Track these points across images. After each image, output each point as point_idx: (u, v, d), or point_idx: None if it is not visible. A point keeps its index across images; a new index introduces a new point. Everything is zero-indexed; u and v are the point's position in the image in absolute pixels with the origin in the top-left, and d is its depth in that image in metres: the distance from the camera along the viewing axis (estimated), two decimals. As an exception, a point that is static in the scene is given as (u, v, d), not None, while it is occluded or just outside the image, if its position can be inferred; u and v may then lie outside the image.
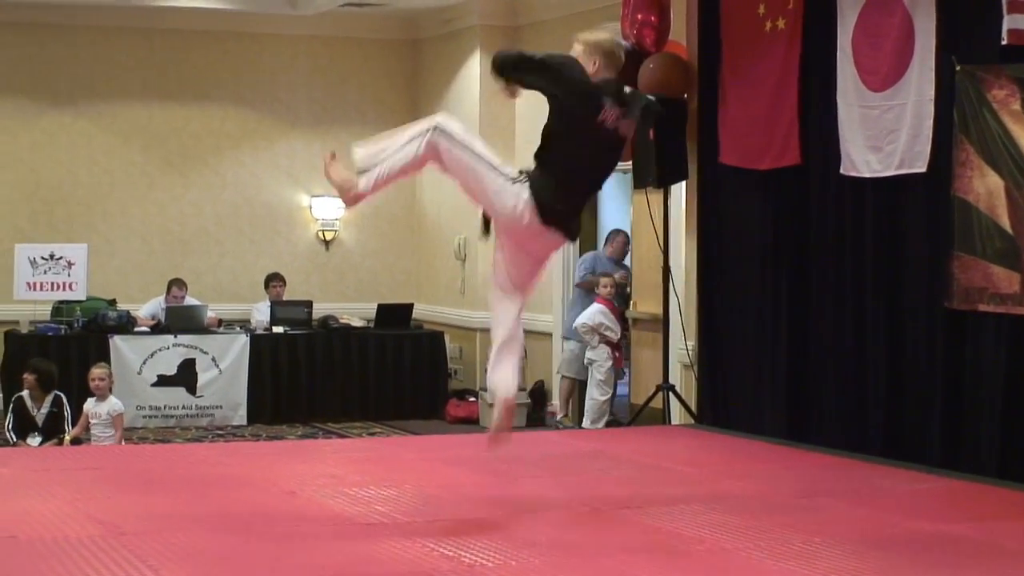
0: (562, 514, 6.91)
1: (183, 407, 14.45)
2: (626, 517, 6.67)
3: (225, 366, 14.58)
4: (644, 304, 13.20)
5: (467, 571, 5.68)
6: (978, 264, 8.51)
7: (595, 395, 13.05)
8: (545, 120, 6.62)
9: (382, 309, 15.55)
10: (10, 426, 11.67)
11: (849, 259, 9.56)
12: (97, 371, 11.69)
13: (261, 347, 14.80)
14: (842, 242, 9.62)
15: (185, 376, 14.44)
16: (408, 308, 15.78)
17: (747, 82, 10.42)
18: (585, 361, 13.27)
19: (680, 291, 11.26)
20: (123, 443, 11.60)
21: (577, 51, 6.61)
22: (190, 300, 15.12)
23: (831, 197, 9.72)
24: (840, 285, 9.65)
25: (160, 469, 8.32)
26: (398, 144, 6.49)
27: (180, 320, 14.69)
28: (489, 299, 6.28)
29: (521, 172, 6.38)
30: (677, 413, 11.23)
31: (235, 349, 14.68)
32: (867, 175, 9.32)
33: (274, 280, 15.64)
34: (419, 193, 16.95)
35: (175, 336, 14.48)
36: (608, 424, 12.99)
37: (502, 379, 6.51)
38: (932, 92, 8.83)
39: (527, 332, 15.19)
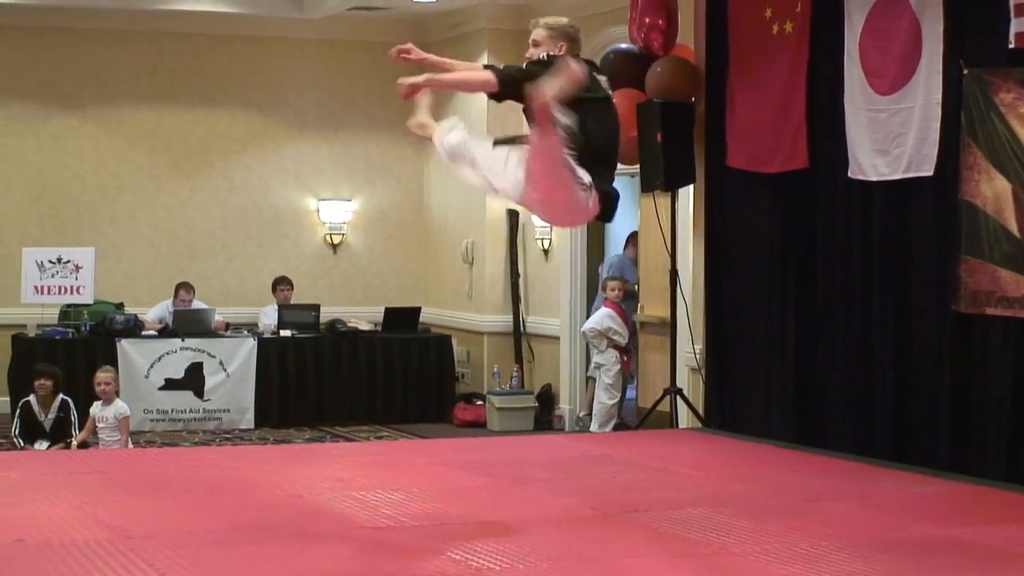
0: (569, 517, 6.91)
1: (190, 411, 14.46)
2: (633, 520, 6.68)
3: (232, 370, 14.60)
4: (651, 308, 13.20)
5: (474, 575, 5.70)
6: (985, 268, 8.52)
7: (603, 399, 13.05)
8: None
9: (389, 313, 15.55)
10: (17, 431, 11.69)
11: (857, 262, 9.56)
12: (102, 375, 11.70)
13: (268, 351, 14.81)
14: (849, 245, 9.62)
15: (192, 380, 14.45)
16: (415, 312, 15.78)
17: (755, 86, 10.42)
18: (593, 365, 13.28)
19: (687, 294, 11.27)
20: (130, 446, 11.62)
21: (541, 35, 6.69)
22: (197, 304, 15.14)
23: (839, 200, 9.73)
24: (847, 288, 9.65)
25: (167, 473, 8.34)
26: (497, 158, 6.44)
27: (187, 324, 14.70)
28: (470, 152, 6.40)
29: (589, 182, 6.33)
30: (684, 417, 11.24)
31: (242, 353, 14.69)
32: (874, 178, 9.33)
33: (282, 284, 15.64)
34: (426, 197, 16.96)
35: (182, 340, 14.50)
36: (616, 428, 13.00)
37: None
38: (939, 95, 8.84)
39: (534, 336, 15.26)
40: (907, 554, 6.27)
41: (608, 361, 13.03)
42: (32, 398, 11.74)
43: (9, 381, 13.96)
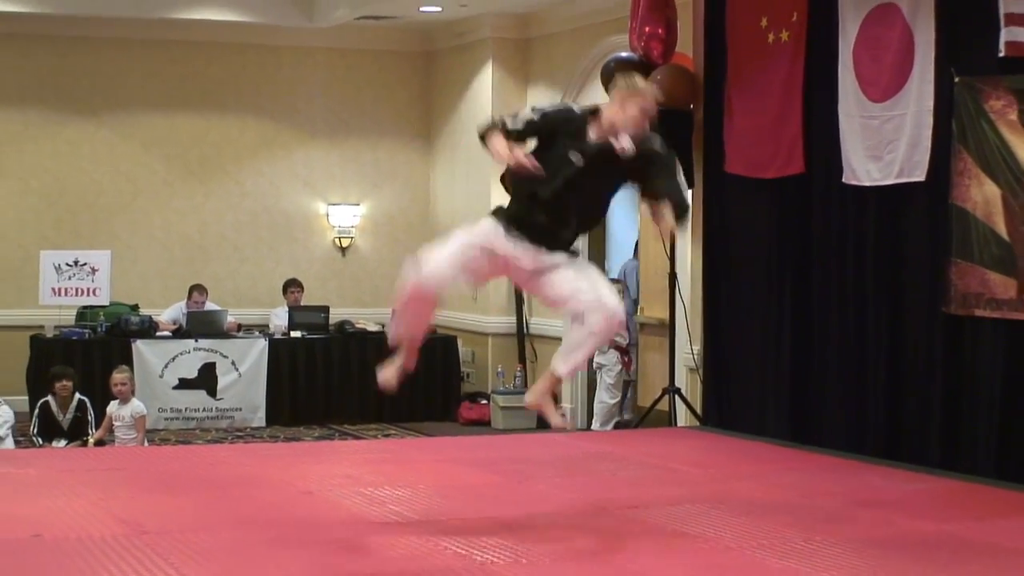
0: (571, 513, 6.92)
1: (203, 409, 14.48)
2: (633, 516, 6.69)
3: (244, 369, 14.62)
4: (651, 309, 13.21)
5: (479, 569, 5.71)
6: (975, 270, 8.52)
7: (604, 398, 13.07)
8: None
9: (397, 314, 15.54)
10: (35, 430, 11.71)
11: (850, 265, 9.57)
12: (119, 375, 11.73)
13: (279, 351, 14.83)
14: (844, 249, 9.63)
15: (205, 379, 14.48)
16: (421, 313, 15.77)
17: (752, 93, 10.43)
18: (594, 365, 13.28)
19: (686, 296, 11.28)
20: (145, 444, 11.64)
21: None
22: (210, 305, 15.16)
23: (833, 205, 9.73)
24: (842, 290, 9.66)
25: (181, 470, 8.35)
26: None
27: (201, 325, 14.72)
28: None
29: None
30: (683, 415, 11.24)
31: (254, 353, 14.71)
32: (868, 184, 9.33)
33: (292, 286, 15.66)
34: (433, 202, 16.97)
35: (196, 340, 14.52)
36: (616, 427, 13.01)
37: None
38: (931, 103, 8.84)
39: (536, 337, 15.26)
40: (899, 549, 6.28)
41: (609, 361, 13.04)
42: (50, 398, 11.77)
43: (28, 380, 13.98)
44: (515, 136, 6.29)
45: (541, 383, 6.37)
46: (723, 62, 10.74)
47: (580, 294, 6.28)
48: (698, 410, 11.05)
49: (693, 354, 11.24)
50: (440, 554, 5.90)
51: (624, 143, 6.26)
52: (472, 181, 16.01)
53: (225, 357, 14.57)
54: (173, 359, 14.38)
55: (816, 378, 9.89)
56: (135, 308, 14.99)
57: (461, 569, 5.68)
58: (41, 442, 11.57)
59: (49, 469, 8.15)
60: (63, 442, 11.55)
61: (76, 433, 11.64)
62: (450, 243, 6.37)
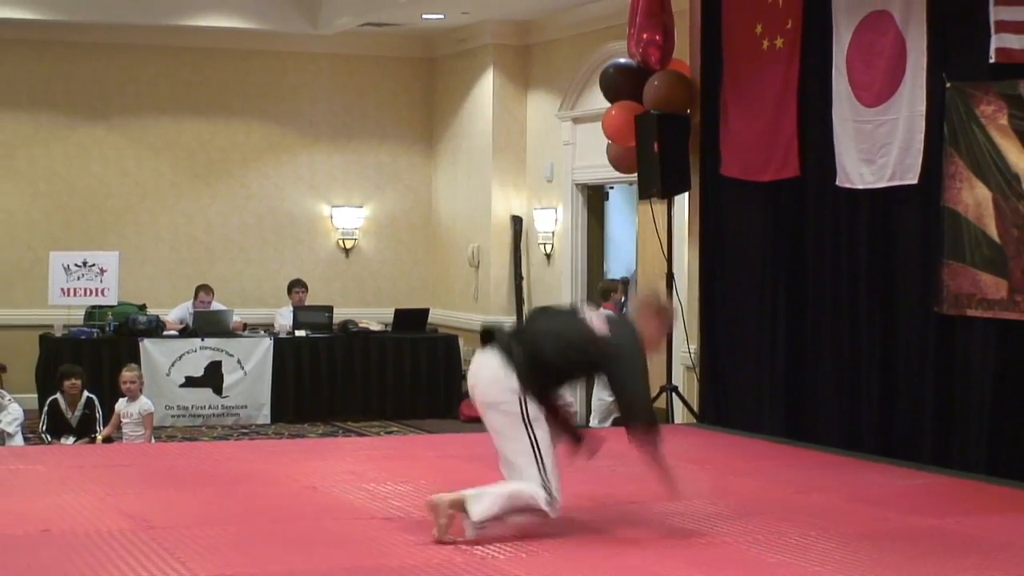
0: (570, 508, 6.89)
1: (209, 407, 14.47)
2: (631, 512, 6.67)
3: (250, 368, 14.60)
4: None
5: (479, 563, 5.69)
6: (967, 271, 8.51)
7: (603, 396, 13.02)
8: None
9: (399, 314, 15.55)
10: (44, 427, 11.69)
11: (844, 266, 9.55)
12: (128, 373, 11.72)
13: (284, 350, 14.81)
14: (837, 250, 9.61)
15: (211, 377, 14.47)
16: (424, 313, 15.78)
17: (747, 98, 10.42)
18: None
19: (683, 296, 11.26)
20: (152, 441, 11.62)
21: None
22: (217, 305, 15.14)
23: (827, 207, 9.72)
24: (836, 291, 9.64)
25: (187, 466, 8.34)
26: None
27: (207, 324, 14.71)
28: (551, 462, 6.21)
29: None
30: (680, 413, 11.23)
31: (259, 352, 14.70)
32: (861, 187, 9.32)
33: (296, 286, 15.64)
34: (435, 204, 16.97)
35: (202, 339, 14.50)
36: (614, 423, 12.98)
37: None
38: (923, 107, 8.83)
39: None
40: (892, 543, 6.27)
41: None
42: (59, 396, 11.75)
43: (37, 379, 13.96)
44: None
45: (451, 498, 6.05)
46: (719, 68, 10.73)
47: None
48: (695, 408, 11.04)
49: (690, 353, 11.23)
50: (442, 549, 5.89)
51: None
52: (473, 184, 16.01)
53: (231, 356, 14.55)
54: (180, 358, 14.36)
55: (811, 376, 9.87)
56: (143, 308, 14.97)
57: (462, 563, 5.67)
58: (50, 439, 11.55)
59: (58, 466, 8.14)
60: (71, 439, 11.54)
61: (84, 430, 11.62)
62: (547, 461, 6.17)
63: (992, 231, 8.36)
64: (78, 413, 11.68)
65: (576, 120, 14.63)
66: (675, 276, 11.32)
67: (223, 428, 14.29)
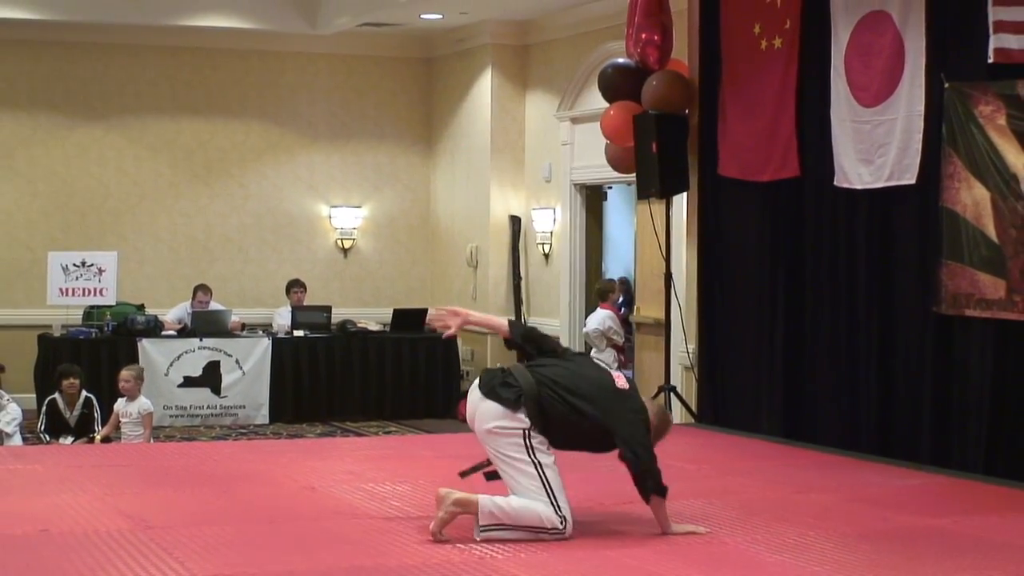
0: (568, 509, 6.90)
1: (208, 407, 14.46)
2: (629, 511, 6.66)
3: (248, 368, 14.59)
4: (647, 309, 13.20)
5: (478, 562, 5.69)
6: (965, 271, 8.51)
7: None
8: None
9: (398, 314, 15.54)
10: (43, 427, 11.68)
11: (842, 266, 9.55)
12: (124, 373, 11.68)
13: (282, 350, 14.80)
14: (836, 250, 9.61)
15: (210, 377, 14.46)
16: (422, 313, 15.74)
17: (746, 98, 10.41)
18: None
19: (681, 296, 11.26)
20: (151, 441, 11.61)
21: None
22: (215, 305, 15.14)
23: (826, 207, 9.72)
24: (834, 291, 9.64)
25: (186, 466, 8.33)
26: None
27: (205, 324, 14.70)
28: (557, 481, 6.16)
29: None
30: (678, 413, 11.22)
31: (258, 352, 14.69)
32: (859, 187, 9.32)
33: (295, 286, 15.64)
34: (433, 204, 16.96)
35: (200, 339, 14.49)
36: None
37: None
38: (921, 108, 8.83)
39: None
40: (891, 543, 6.27)
41: (607, 359, 13.02)
42: (58, 396, 11.75)
43: (35, 379, 13.95)
44: None
45: (460, 496, 6.06)
46: (718, 68, 10.73)
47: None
48: (693, 408, 11.03)
49: (688, 353, 11.22)
50: (440, 548, 5.88)
51: None
52: (471, 184, 16.01)
53: (229, 356, 14.54)
54: (178, 358, 14.36)
55: (809, 376, 9.87)
56: (141, 308, 14.97)
57: (460, 563, 5.66)
58: (48, 439, 11.54)
59: (56, 466, 8.13)
60: (70, 439, 11.53)
61: (83, 430, 11.62)
62: (553, 483, 6.14)
63: (990, 231, 8.36)
64: (76, 413, 11.68)
65: (575, 120, 14.63)
66: (673, 276, 11.31)
67: (221, 428, 14.28)
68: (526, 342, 6.66)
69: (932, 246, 8.74)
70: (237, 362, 14.56)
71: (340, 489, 7.34)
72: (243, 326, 15.17)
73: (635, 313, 13.57)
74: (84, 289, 14.34)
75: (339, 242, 16.80)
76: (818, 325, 9.79)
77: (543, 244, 15.25)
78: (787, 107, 10.00)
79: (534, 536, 6.02)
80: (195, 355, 14.43)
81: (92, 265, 14.36)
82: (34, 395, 13.47)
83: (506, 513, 6.01)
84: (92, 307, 14.59)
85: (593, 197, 14.97)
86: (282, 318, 15.39)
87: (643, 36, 11.14)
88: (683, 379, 11.63)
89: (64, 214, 15.88)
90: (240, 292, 16.31)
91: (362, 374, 15.06)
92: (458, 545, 5.92)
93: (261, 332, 15.11)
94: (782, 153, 10.02)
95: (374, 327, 15.42)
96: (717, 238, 10.85)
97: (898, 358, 9.11)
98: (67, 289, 14.30)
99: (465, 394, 13.78)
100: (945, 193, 8.61)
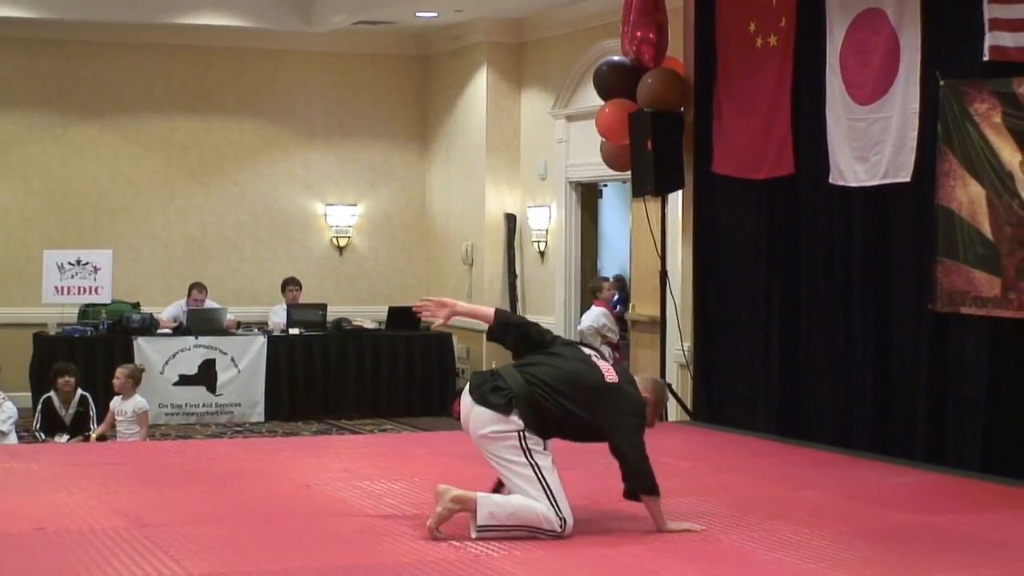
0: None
1: (203, 405, 14.45)
2: (625, 509, 6.66)
3: (244, 366, 14.59)
4: (642, 307, 13.18)
5: (473, 560, 5.68)
6: (960, 269, 8.50)
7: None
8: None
9: (393, 311, 15.54)
10: (38, 425, 11.67)
11: (838, 264, 9.55)
12: (119, 371, 11.65)
13: (278, 348, 14.80)
14: (831, 248, 9.61)
15: (205, 376, 14.45)
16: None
17: (741, 96, 10.41)
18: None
19: (677, 294, 11.25)
20: (147, 440, 11.59)
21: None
22: (210, 303, 15.13)
23: (821, 205, 9.71)
24: (829, 288, 9.64)
25: (181, 464, 8.33)
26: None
27: (201, 322, 14.69)
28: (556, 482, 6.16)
29: None
30: (674, 410, 11.22)
31: (253, 350, 14.68)
32: (854, 184, 9.31)
33: (290, 284, 15.64)
34: (428, 202, 16.96)
35: (196, 337, 14.48)
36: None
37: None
38: (917, 105, 8.82)
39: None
40: (886, 541, 6.26)
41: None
42: (53, 394, 11.73)
43: (31, 377, 13.94)
44: None
45: (458, 493, 6.04)
46: (713, 66, 10.72)
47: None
48: (688, 405, 11.03)
49: (684, 350, 11.22)
50: (436, 546, 5.88)
51: None
52: (466, 181, 16.01)
53: (225, 354, 14.53)
54: (173, 356, 14.35)
55: (804, 374, 9.87)
56: (136, 306, 14.96)
57: (456, 560, 5.66)
58: (44, 437, 11.53)
59: (52, 464, 8.12)
60: (65, 437, 11.52)
61: (78, 428, 11.61)
62: (552, 484, 6.14)
63: (986, 229, 8.36)
64: (72, 411, 11.67)
65: (570, 118, 14.62)
66: (669, 274, 11.31)
67: (217, 426, 14.27)
68: (507, 332, 6.61)
69: (927, 244, 8.73)
70: (232, 360, 14.55)
71: (335, 487, 7.33)
72: (238, 324, 15.16)
73: (630, 311, 13.55)
74: (79, 287, 14.33)
75: (334, 240, 16.79)
76: (813, 323, 9.79)
77: (538, 242, 15.25)
78: (782, 105, 9.99)
79: (531, 535, 6.02)
80: (190, 353, 14.42)
81: (87, 263, 14.34)
82: (29, 393, 13.47)
83: (504, 512, 6.01)
84: (87, 305, 14.57)
85: (588, 195, 14.97)
86: (277, 316, 15.39)
87: (638, 34, 11.14)
88: (678, 377, 11.62)
89: (59, 212, 15.87)
90: (235, 290, 16.30)
91: (358, 372, 15.06)
92: (453, 543, 5.92)
93: (256, 330, 15.10)
94: (777, 151, 10.01)
95: (369, 325, 15.42)
96: (712, 236, 10.85)
97: (893, 356, 9.11)
98: (62, 287, 14.28)
99: (460, 392, 13.82)
100: (940, 191, 8.61)
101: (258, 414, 14.62)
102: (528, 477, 6.06)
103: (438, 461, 8.41)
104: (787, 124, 9.95)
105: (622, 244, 15.57)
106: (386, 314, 15.56)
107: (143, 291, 15.68)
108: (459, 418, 6.56)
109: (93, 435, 11.45)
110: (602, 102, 11.60)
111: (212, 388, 14.47)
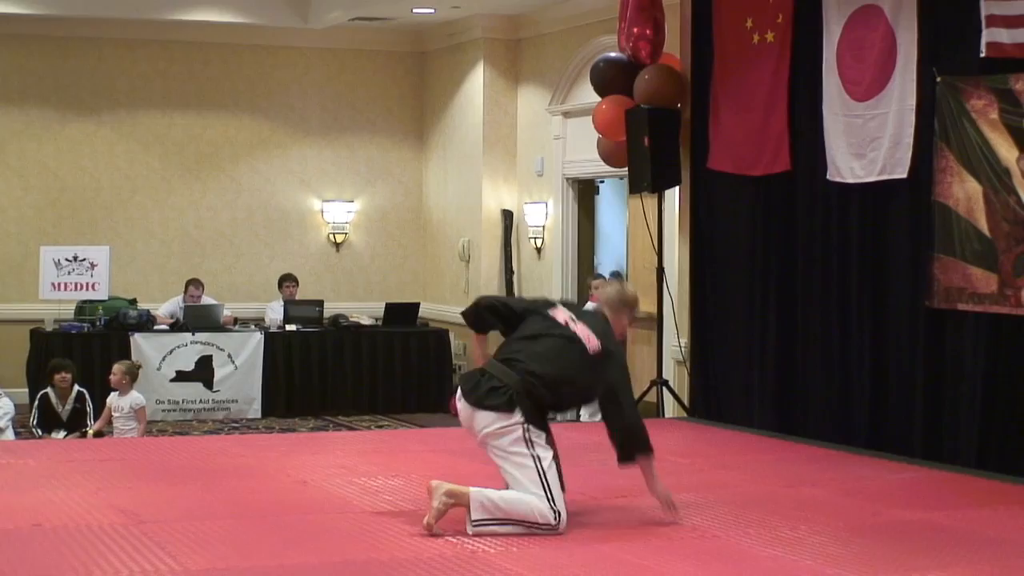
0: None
1: (200, 401, 14.43)
2: (622, 506, 6.66)
3: (240, 362, 14.57)
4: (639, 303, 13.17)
5: (470, 556, 5.68)
6: (957, 265, 8.51)
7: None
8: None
9: (390, 308, 15.53)
10: (35, 421, 11.66)
11: (835, 260, 9.55)
12: (115, 367, 11.65)
13: (275, 344, 14.78)
14: (828, 244, 9.61)
15: (202, 372, 14.43)
16: (415, 307, 15.77)
17: (738, 93, 10.41)
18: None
19: (673, 291, 11.25)
20: (144, 436, 11.58)
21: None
22: (207, 299, 15.11)
23: (818, 201, 9.71)
24: (826, 285, 9.64)
25: (178, 460, 8.32)
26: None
27: (198, 319, 14.68)
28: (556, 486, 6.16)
29: None
30: (671, 407, 11.22)
31: (250, 346, 14.67)
32: (851, 181, 9.32)
33: (287, 280, 15.63)
34: (425, 198, 16.95)
35: (193, 334, 14.47)
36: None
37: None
38: (913, 102, 8.83)
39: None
40: (883, 537, 6.27)
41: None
42: (50, 390, 11.72)
43: (27, 373, 13.93)
44: None
45: (452, 488, 6.06)
46: (710, 62, 10.72)
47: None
48: (685, 402, 11.03)
49: (681, 347, 11.22)
50: (433, 542, 5.88)
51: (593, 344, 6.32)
52: (463, 178, 15.99)
53: (221, 350, 14.52)
54: (170, 352, 14.33)
55: (801, 370, 9.87)
56: (133, 302, 14.94)
57: (452, 556, 5.66)
58: (41, 433, 11.52)
59: (48, 460, 8.12)
60: (62, 433, 11.51)
61: (75, 424, 11.60)
62: (550, 478, 6.13)
63: (982, 225, 8.36)
64: (69, 407, 11.66)
65: (566, 114, 14.62)
66: (665, 270, 11.31)
67: (214, 422, 14.26)
68: (479, 319, 6.67)
69: (924, 240, 8.74)
70: (229, 356, 14.54)
71: (332, 483, 7.33)
72: (235, 320, 15.15)
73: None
74: (76, 283, 14.32)
75: (331, 236, 16.78)
76: (810, 319, 9.79)
77: (535, 238, 15.24)
78: (779, 101, 9.99)
79: (527, 530, 6.02)
80: (187, 349, 14.40)
81: (84, 259, 14.33)
82: (26, 389, 13.46)
83: (497, 506, 6.01)
84: (84, 301, 14.56)
85: (585, 191, 14.96)
86: (274, 312, 15.38)
87: (635, 30, 11.13)
88: (675, 373, 11.62)
89: (56, 208, 15.85)
90: (232, 286, 16.29)
91: (354, 368, 15.05)
92: (450, 539, 5.92)
93: (253, 326, 15.09)
94: (774, 147, 10.02)
95: (366, 321, 15.41)
96: (709, 232, 10.85)
97: (890, 352, 9.12)
98: (59, 284, 14.28)
99: (457, 388, 13.77)
100: (937, 187, 8.61)
101: (255, 410, 14.61)
102: (527, 468, 6.07)
103: (435, 457, 8.41)
104: (784, 121, 9.95)
105: (619, 240, 15.56)
106: (383, 310, 15.55)
107: (140, 287, 15.67)
108: (456, 414, 6.57)
109: (90, 431, 11.44)
110: (599, 98, 11.59)
111: (209, 384, 14.45)
